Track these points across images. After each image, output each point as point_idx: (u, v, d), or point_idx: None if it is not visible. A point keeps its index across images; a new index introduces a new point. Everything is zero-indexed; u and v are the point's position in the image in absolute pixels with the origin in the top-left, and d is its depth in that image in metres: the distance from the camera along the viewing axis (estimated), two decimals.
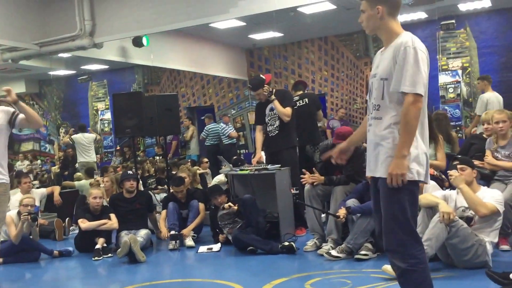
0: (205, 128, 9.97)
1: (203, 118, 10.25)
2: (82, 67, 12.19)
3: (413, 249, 2.21)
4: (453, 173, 3.55)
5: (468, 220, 3.49)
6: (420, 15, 8.88)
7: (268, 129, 5.16)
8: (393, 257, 2.26)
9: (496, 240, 3.53)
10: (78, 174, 8.16)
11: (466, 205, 3.53)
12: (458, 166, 3.62)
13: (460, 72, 9.69)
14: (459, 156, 3.84)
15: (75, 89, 13.58)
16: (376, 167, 2.27)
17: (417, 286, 2.22)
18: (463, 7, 8.80)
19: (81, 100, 13.73)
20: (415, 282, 2.22)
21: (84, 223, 4.86)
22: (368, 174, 2.35)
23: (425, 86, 2.19)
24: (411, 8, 8.01)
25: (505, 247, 3.85)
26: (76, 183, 7.09)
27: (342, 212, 4.02)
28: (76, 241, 5.07)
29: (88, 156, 9.09)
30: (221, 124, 10.13)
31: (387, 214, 2.24)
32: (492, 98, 6.87)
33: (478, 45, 9.47)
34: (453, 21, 8.28)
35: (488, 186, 3.93)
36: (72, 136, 9.32)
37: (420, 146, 2.23)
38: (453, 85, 9.77)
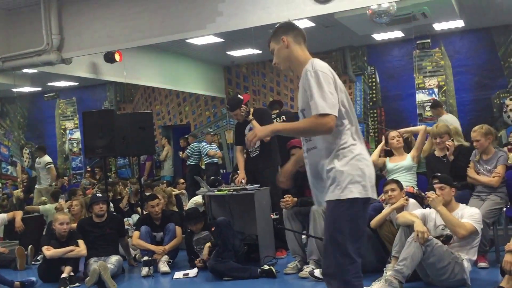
0: (190, 146, 9.96)
1: (186, 136, 10.23)
2: (49, 83, 12.02)
3: (349, 274, 2.20)
4: (430, 195, 3.70)
5: (448, 238, 3.62)
6: (397, 34, 9.23)
7: (248, 150, 5.20)
8: (329, 281, 2.25)
9: (475, 257, 3.68)
10: (43, 198, 7.95)
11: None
12: (437, 186, 3.75)
13: (436, 90, 10.05)
14: (439, 174, 3.97)
15: (41, 107, 13.36)
16: (323, 194, 2.33)
17: None
18: (438, 26, 9.21)
19: (48, 118, 13.50)
20: None
21: (49, 251, 4.73)
22: (317, 204, 2.48)
23: (335, 105, 2.22)
24: (388, 27, 8.32)
25: (483, 264, 4.01)
26: (40, 207, 6.91)
27: None
28: (40, 270, 4.92)
29: (44, 182, 8.76)
30: (203, 143, 10.14)
31: (325, 236, 2.31)
32: (450, 120, 7.33)
33: (453, 64, 9.89)
34: (429, 40, 8.65)
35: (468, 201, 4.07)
36: (46, 159, 9.04)
37: (355, 161, 2.24)
38: (429, 103, 10.11)
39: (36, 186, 8.84)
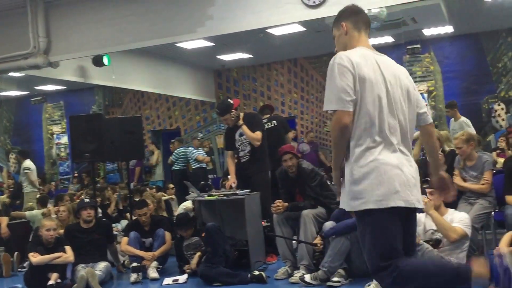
0: (175, 151, 9.92)
1: (172, 141, 10.20)
2: (36, 87, 11.94)
3: (385, 271, 2.18)
4: (422, 199, 3.71)
5: (437, 242, 3.67)
6: (387, 39, 9.34)
7: (239, 155, 5.21)
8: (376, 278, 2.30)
9: (464, 262, 3.68)
10: (30, 203, 7.86)
11: (435, 228, 3.71)
12: (428, 190, 3.79)
13: (426, 95, 10.17)
14: (429, 179, 4.01)
15: (27, 111, 13.25)
16: None
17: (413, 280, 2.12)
18: (427, 32, 9.35)
19: (34, 123, 13.39)
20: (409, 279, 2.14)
21: (35, 257, 4.68)
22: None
23: (342, 99, 2.08)
24: (378, 32, 8.41)
25: None
26: (27, 213, 6.83)
27: (317, 240, 4.12)
28: (26, 277, 4.85)
29: (25, 187, 8.65)
30: (190, 147, 10.11)
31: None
32: (463, 123, 7.49)
33: (442, 70, 10.04)
34: (419, 45, 8.76)
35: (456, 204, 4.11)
36: (27, 164, 8.94)
37: (369, 168, 2.13)
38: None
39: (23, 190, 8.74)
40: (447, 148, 4.78)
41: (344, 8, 2.40)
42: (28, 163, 8.77)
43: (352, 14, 2.35)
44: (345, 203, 2.25)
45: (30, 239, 5.36)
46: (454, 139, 4.45)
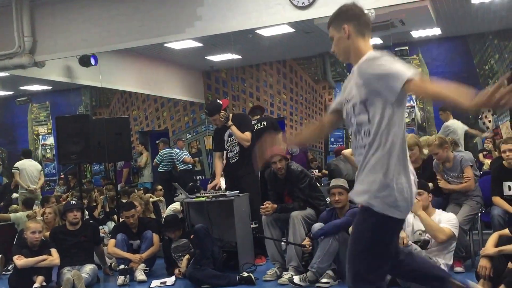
0: (159, 153, 9.86)
1: (157, 142, 10.14)
2: (21, 87, 11.79)
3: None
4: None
5: (425, 243, 3.71)
6: (376, 40, 9.42)
7: (228, 156, 5.20)
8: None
9: (451, 262, 3.78)
10: (14, 206, 7.75)
11: (423, 229, 3.75)
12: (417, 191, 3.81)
13: (414, 97, 10.27)
14: (417, 180, 4.05)
15: (12, 111, 13.06)
16: None
17: None
18: (415, 34, 9.46)
19: (20, 123, 13.21)
20: None
21: (20, 260, 4.61)
22: None
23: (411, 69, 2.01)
24: None
25: (459, 269, 4.11)
26: (11, 215, 6.73)
27: (306, 242, 4.13)
28: (11, 280, 4.78)
29: (33, 185, 8.58)
30: (175, 149, 10.06)
31: None
32: (454, 125, 7.69)
33: (430, 71, 10.13)
34: (407, 47, 8.85)
35: (444, 206, 4.14)
36: (17, 164, 8.83)
37: (396, 175, 2.11)
38: (407, 110, 10.33)
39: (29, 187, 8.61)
40: (425, 152, 4.80)
41: (345, 8, 2.23)
42: (18, 163, 8.67)
43: (354, 17, 2.20)
44: (368, 192, 2.13)
45: (14, 242, 5.29)
46: (428, 146, 4.45)
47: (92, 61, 7.45)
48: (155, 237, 5.07)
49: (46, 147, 13.00)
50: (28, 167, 8.68)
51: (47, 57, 7.27)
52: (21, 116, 13.14)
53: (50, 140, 12.82)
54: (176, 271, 4.75)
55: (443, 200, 4.37)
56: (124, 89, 10.68)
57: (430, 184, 4.20)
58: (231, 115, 5.19)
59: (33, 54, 7.16)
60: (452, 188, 4.33)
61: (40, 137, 13.09)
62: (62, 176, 11.44)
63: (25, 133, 13.21)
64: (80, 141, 5.84)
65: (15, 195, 8.93)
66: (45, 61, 7.39)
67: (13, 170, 8.54)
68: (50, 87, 12.07)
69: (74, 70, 8.66)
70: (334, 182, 4.31)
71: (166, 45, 8.43)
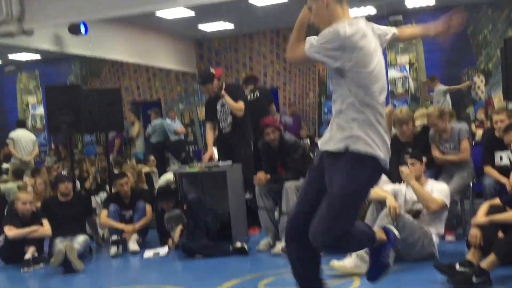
0: (151, 123, 9.76)
1: (149, 113, 10.02)
2: (10, 56, 11.54)
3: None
4: (404, 169, 3.77)
5: (417, 213, 3.73)
6: (370, 10, 9.26)
7: (220, 126, 5.13)
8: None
9: (442, 231, 3.82)
10: (5, 176, 7.67)
11: (415, 199, 3.76)
12: (409, 161, 3.81)
13: (407, 67, 10.20)
14: (410, 150, 4.04)
15: (1, 81, 12.81)
16: None
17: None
18: (410, 3, 9.32)
19: (8, 93, 12.98)
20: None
21: (11, 231, 4.58)
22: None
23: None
24: (361, 2, 8.31)
25: (450, 238, 4.17)
26: (1, 185, 6.67)
27: None
28: (2, 251, 4.77)
29: (28, 156, 8.46)
30: (167, 119, 9.96)
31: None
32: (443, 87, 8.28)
33: (424, 42, 9.99)
34: (401, 17, 8.73)
35: (436, 177, 4.15)
36: (12, 134, 8.66)
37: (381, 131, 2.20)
38: (401, 80, 10.27)
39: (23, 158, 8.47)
40: (418, 123, 4.76)
41: None
42: (14, 133, 8.51)
43: None
44: (349, 140, 2.17)
45: (5, 213, 5.25)
46: (427, 117, 4.41)
47: (82, 29, 7.25)
48: (148, 208, 5.05)
49: (36, 117, 12.82)
50: (23, 137, 8.53)
51: (36, 25, 7.05)
52: (10, 85, 12.91)
53: (40, 110, 12.64)
54: (169, 241, 4.75)
55: (436, 172, 4.37)
56: (115, 58, 10.45)
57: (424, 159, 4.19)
58: (224, 84, 5.09)
59: (21, 22, 6.93)
60: (446, 159, 4.32)
61: (30, 106, 12.89)
62: (54, 147, 11.33)
63: (14, 103, 13.00)
64: (70, 112, 5.72)
65: (5, 165, 8.82)
66: (33, 29, 7.17)
67: (7, 140, 8.39)
68: (39, 56, 11.82)
69: (64, 39, 8.45)
70: None
71: (158, 14, 8.22)
